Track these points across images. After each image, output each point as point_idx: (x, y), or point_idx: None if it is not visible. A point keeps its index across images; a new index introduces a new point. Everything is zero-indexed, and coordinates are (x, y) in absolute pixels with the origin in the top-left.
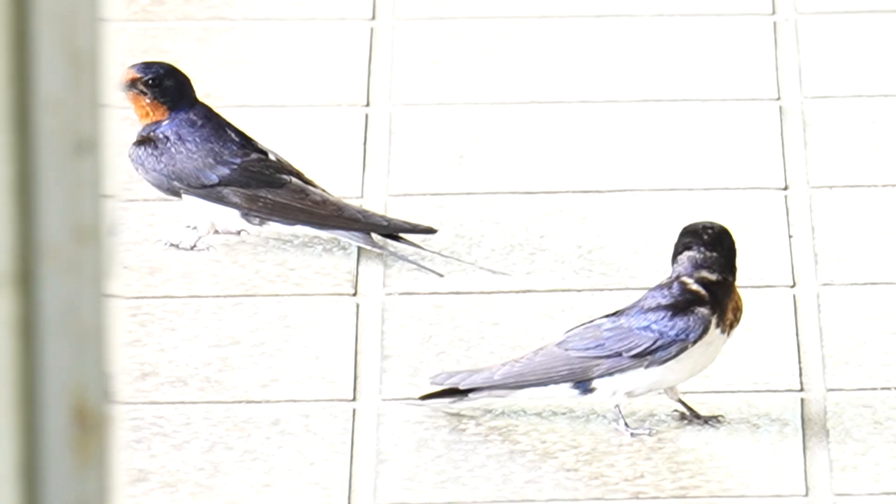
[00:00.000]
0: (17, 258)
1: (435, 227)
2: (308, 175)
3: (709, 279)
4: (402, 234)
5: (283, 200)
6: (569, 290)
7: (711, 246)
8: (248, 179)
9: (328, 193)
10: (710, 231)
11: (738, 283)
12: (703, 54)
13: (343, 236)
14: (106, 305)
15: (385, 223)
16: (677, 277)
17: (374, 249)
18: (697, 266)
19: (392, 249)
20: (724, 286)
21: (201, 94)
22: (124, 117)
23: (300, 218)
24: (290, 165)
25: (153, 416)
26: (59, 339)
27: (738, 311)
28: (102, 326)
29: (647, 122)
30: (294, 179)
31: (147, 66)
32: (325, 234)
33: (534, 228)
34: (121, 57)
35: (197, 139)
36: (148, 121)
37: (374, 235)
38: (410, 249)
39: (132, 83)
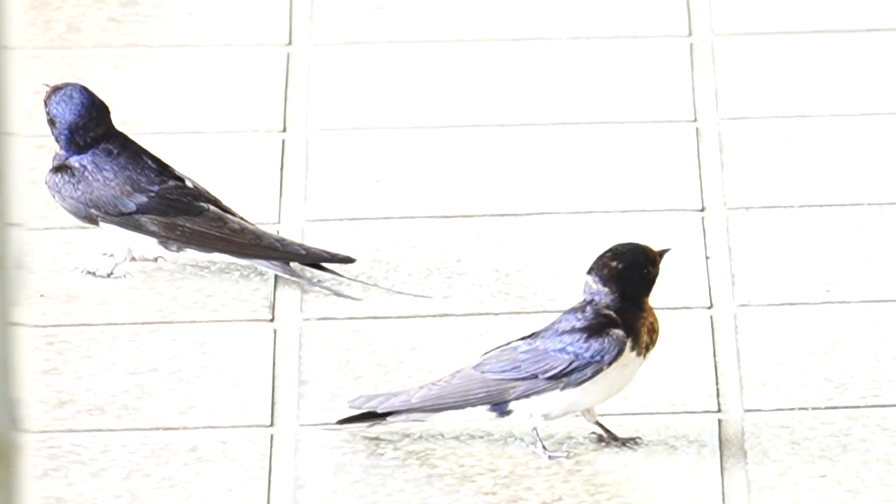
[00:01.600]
0: None
1: (353, 253)
2: (225, 201)
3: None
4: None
5: (200, 229)
6: (486, 314)
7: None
8: (166, 207)
9: (246, 221)
10: (613, 261)
11: (655, 305)
12: (619, 77)
13: (261, 265)
14: (12, 334)
15: (303, 252)
16: (590, 301)
17: (292, 278)
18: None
19: (309, 275)
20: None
21: (118, 122)
22: (38, 145)
23: (218, 246)
24: (208, 193)
25: (70, 444)
26: None
27: (653, 333)
28: (9, 354)
29: (564, 144)
30: (212, 207)
31: (55, 99)
32: (242, 261)
33: (451, 252)
34: (35, 85)
35: (114, 167)
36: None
37: (291, 264)
38: (328, 276)
39: (45, 102)
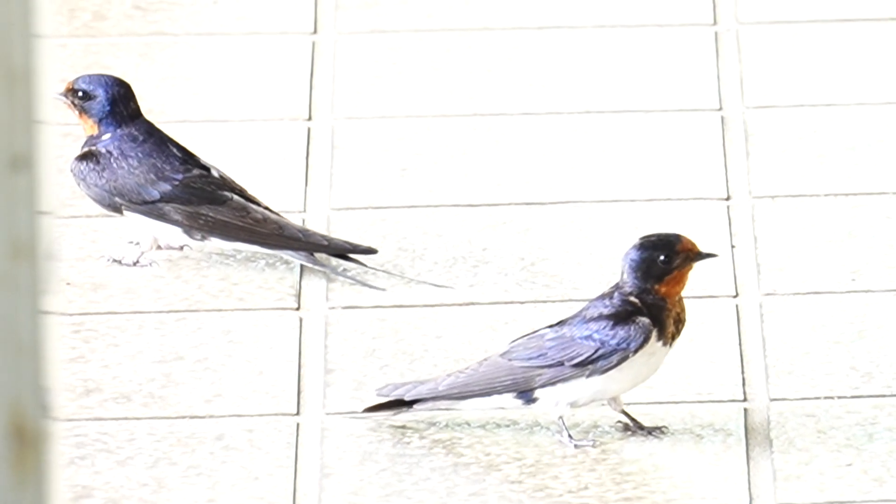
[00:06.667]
0: None
1: (378, 242)
2: (250, 190)
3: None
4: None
5: (223, 218)
6: (512, 303)
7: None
8: (190, 196)
9: (270, 211)
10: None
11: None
12: (645, 65)
13: (284, 254)
14: (43, 322)
15: (325, 243)
16: (619, 287)
17: (316, 267)
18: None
19: (334, 264)
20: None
21: (144, 110)
22: (64, 133)
23: (241, 236)
24: (233, 182)
25: (97, 432)
26: None
27: (679, 323)
28: (40, 342)
29: (590, 133)
30: (236, 197)
31: (83, 79)
32: (266, 250)
33: (476, 241)
34: (60, 73)
35: (139, 154)
36: (88, 133)
37: (315, 253)
38: (352, 265)
39: (67, 93)
